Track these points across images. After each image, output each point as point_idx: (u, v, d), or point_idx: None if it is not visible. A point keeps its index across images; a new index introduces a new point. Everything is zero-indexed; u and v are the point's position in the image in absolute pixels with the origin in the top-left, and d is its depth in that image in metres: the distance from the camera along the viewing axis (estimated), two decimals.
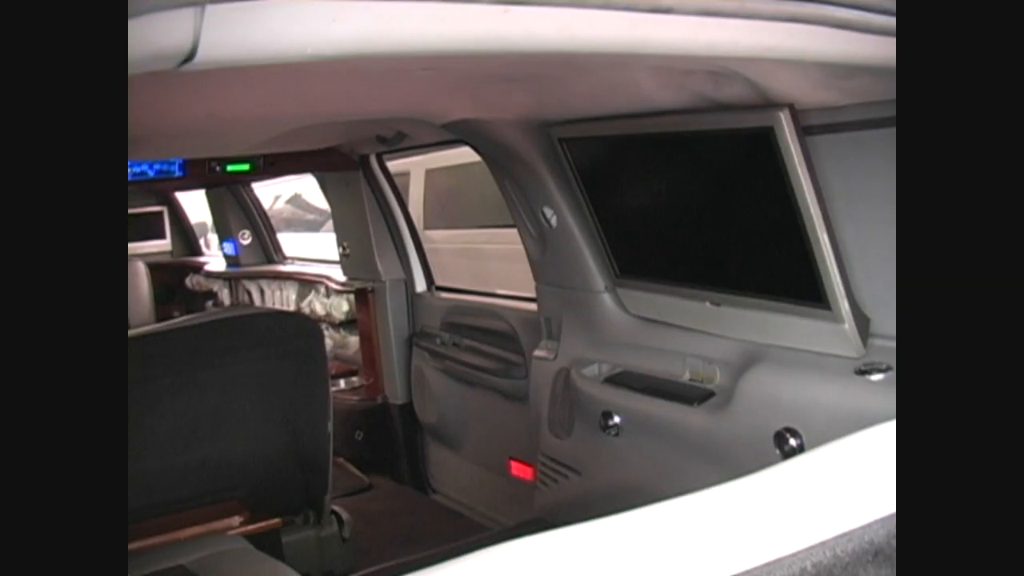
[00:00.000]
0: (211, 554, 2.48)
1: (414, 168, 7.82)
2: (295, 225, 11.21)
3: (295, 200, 12.10)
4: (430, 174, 7.67)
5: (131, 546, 2.74)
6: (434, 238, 7.72)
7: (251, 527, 2.96)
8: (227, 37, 0.84)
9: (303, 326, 3.10)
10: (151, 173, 4.03)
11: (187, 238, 7.55)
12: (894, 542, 1.08)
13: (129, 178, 4.02)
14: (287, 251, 6.64)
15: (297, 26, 0.86)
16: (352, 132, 3.99)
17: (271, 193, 10.89)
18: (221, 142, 3.77)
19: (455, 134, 3.24)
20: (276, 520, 3.06)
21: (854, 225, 2.20)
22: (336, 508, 3.37)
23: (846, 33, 1.24)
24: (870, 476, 1.18)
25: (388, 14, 0.89)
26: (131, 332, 2.78)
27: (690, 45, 1.09)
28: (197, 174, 4.15)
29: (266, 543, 3.06)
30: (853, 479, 1.20)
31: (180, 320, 2.97)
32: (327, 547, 3.27)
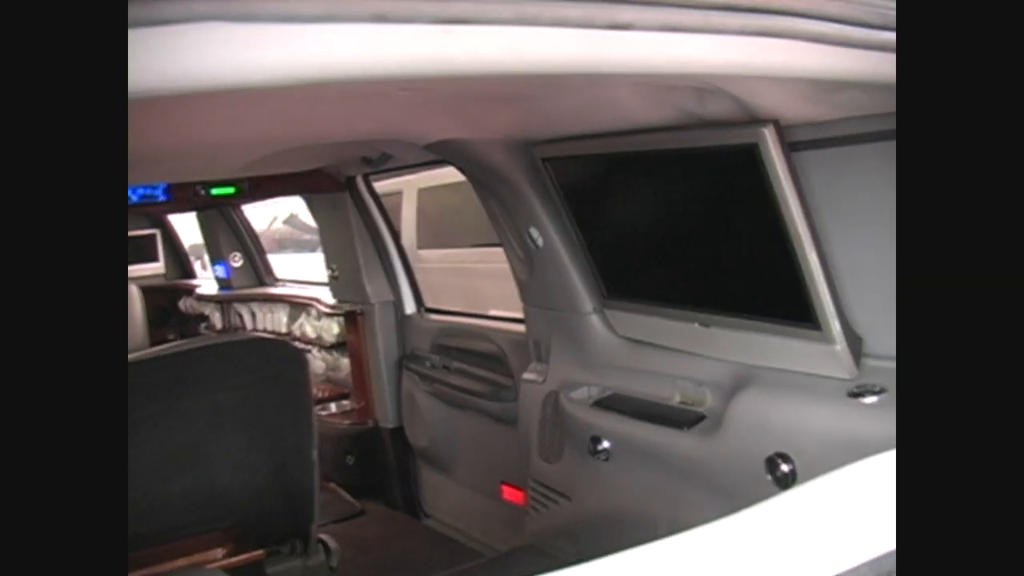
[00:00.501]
0: None
1: (407, 187, 7.77)
2: (292, 246, 11.18)
3: (291, 221, 12.07)
4: (422, 193, 7.62)
5: None
6: (428, 258, 7.67)
7: (234, 559, 2.89)
8: (147, 66, 0.78)
9: (285, 352, 3.04)
10: (134, 198, 3.97)
11: (180, 261, 7.51)
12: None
13: None
14: (283, 273, 6.59)
15: (220, 53, 0.80)
16: (337, 153, 3.94)
17: (268, 214, 10.87)
18: (203, 166, 3.71)
19: (438, 154, 3.19)
20: (259, 552, 2.98)
21: (844, 242, 2.15)
22: (324, 537, 3.30)
23: (823, 47, 1.19)
24: (866, 512, 1.13)
25: (318, 37, 0.83)
26: None
27: (655, 63, 1.03)
28: (182, 198, 4.09)
29: (253, 574, 3.00)
30: (847, 516, 1.15)
31: (159, 348, 2.91)
32: None
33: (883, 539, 1.04)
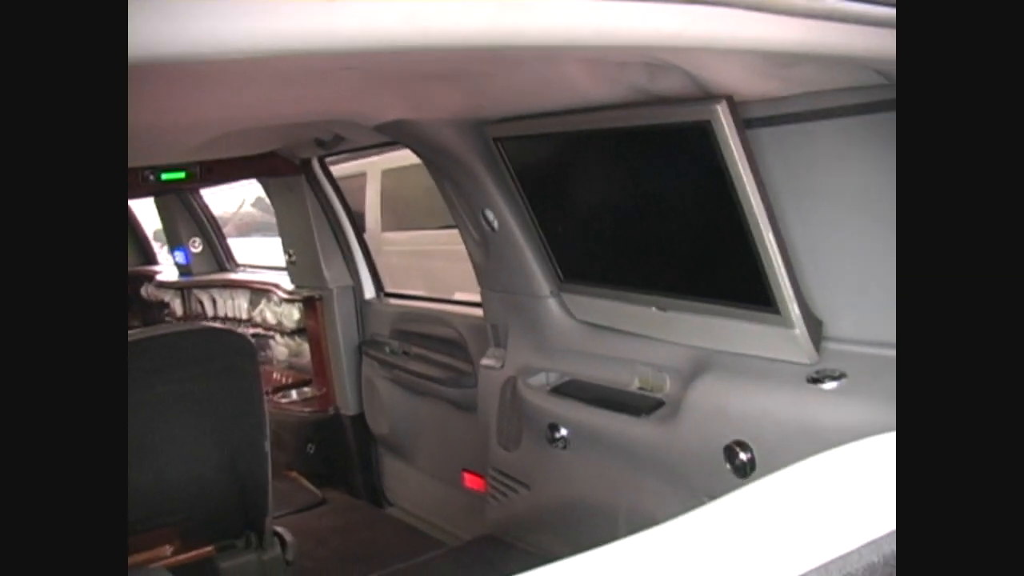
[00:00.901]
0: None
1: (370, 168, 7.64)
2: (262, 229, 11.01)
3: (259, 204, 11.90)
4: (387, 175, 7.49)
5: None
6: (392, 240, 7.56)
7: (182, 556, 2.80)
8: None
9: (234, 342, 2.94)
10: None
11: (141, 247, 7.34)
12: (892, 563, 0.97)
13: None
14: (251, 257, 6.44)
15: None
16: (289, 135, 3.83)
17: (236, 197, 10.72)
18: (148, 150, 3.58)
19: (389, 136, 3.09)
20: (208, 548, 2.90)
21: (803, 223, 2.08)
22: (279, 529, 3.21)
23: (766, 16, 1.11)
24: (865, 493, 1.08)
25: (181, 12, 0.73)
26: None
27: (573, 35, 0.95)
28: (130, 184, 3.96)
29: (205, 570, 2.91)
30: (845, 497, 1.10)
31: None
32: (270, 571, 3.11)
33: (883, 520, 1.00)
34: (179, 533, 2.88)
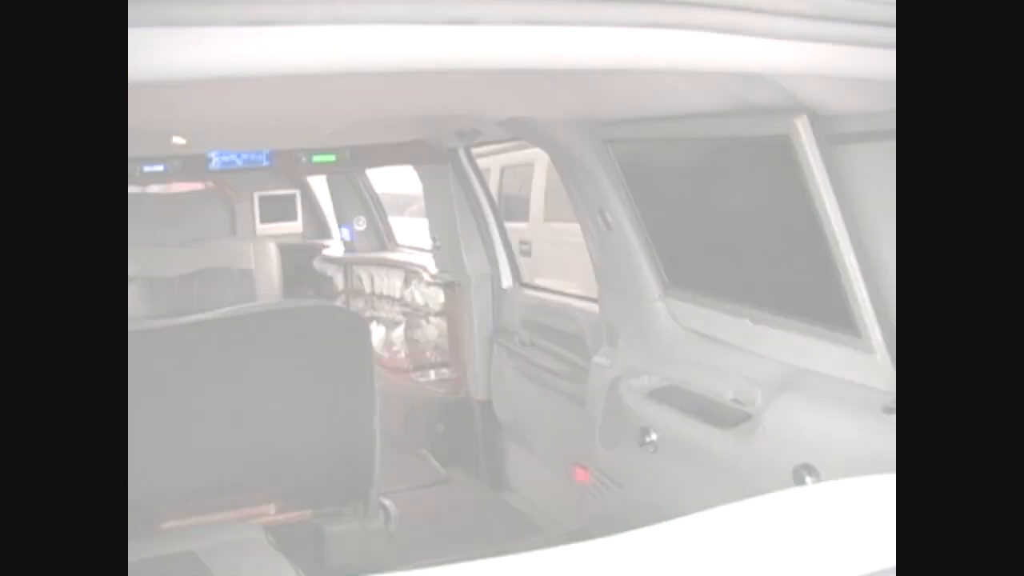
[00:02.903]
0: (225, 542, 2.50)
1: (538, 159, 7.73)
2: None
3: None
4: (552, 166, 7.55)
5: (164, 525, 2.80)
6: (555, 231, 7.62)
7: (280, 517, 2.97)
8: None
9: (346, 321, 3.09)
10: (239, 163, 4.11)
11: (318, 221, 7.68)
12: None
13: (218, 167, 4.12)
14: (416, 238, 6.63)
15: None
16: (431, 125, 3.95)
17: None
18: (292, 134, 3.79)
19: (512, 131, 3.16)
20: (305, 512, 3.06)
21: (895, 244, 1.99)
22: (385, 502, 3.34)
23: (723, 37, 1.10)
24: (860, 534, 1.07)
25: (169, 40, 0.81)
26: (172, 321, 2.84)
27: (506, 57, 0.96)
28: (284, 165, 4.21)
29: (304, 533, 3.08)
30: (840, 539, 1.09)
31: (224, 310, 3.00)
32: (372, 541, 3.24)
33: (882, 555, 1.00)
34: (284, 495, 3.05)
